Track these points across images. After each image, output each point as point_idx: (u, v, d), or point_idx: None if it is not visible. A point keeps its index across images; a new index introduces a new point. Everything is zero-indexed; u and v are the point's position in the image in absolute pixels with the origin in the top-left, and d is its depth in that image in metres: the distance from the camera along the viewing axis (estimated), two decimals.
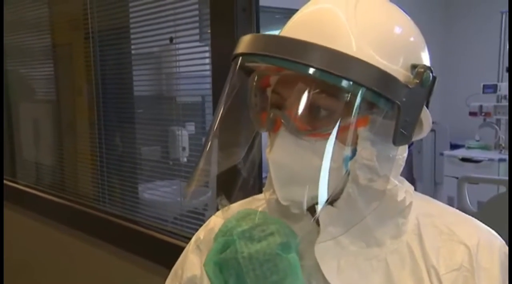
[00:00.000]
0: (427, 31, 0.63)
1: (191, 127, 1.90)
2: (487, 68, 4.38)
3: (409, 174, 4.36)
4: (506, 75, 4.13)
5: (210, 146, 0.62)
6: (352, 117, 0.54)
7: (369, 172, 0.58)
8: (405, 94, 0.54)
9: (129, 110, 2.07)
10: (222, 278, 0.57)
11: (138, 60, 2.05)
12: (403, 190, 0.64)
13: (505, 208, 1.96)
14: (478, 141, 4.26)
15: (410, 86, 0.55)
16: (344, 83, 0.52)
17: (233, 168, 0.65)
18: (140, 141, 2.02)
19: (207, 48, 1.57)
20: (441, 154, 4.36)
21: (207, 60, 1.58)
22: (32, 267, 2.56)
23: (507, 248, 0.65)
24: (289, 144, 0.57)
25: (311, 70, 0.52)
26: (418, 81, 0.56)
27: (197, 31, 1.70)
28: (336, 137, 0.55)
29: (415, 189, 0.68)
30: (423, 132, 0.61)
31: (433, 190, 4.44)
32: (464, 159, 4.14)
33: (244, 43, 0.58)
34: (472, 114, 4.18)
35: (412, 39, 0.61)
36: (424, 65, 0.57)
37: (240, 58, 0.59)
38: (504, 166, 3.93)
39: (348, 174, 0.58)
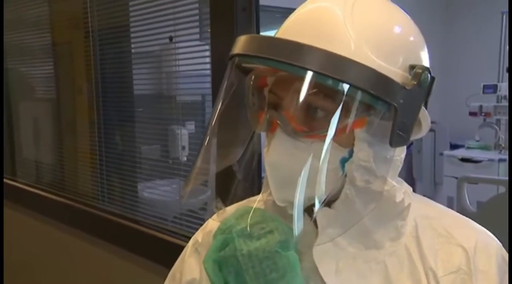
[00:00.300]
0: (427, 31, 0.63)
1: (191, 126, 1.90)
2: (487, 68, 4.38)
3: (409, 174, 4.36)
4: (506, 75, 4.13)
5: (206, 146, 0.62)
6: (349, 118, 0.54)
7: (366, 174, 0.58)
8: (402, 95, 0.54)
9: (129, 109, 2.07)
10: (221, 276, 0.57)
11: (138, 59, 2.05)
12: (402, 191, 0.64)
13: (505, 208, 1.96)
14: (478, 141, 4.26)
15: (407, 88, 0.55)
16: (340, 85, 0.52)
17: (231, 169, 0.65)
18: (140, 140, 2.02)
19: (207, 47, 1.57)
20: (441, 154, 4.36)
21: (207, 59, 1.58)
22: (31, 265, 2.56)
23: (504, 250, 0.65)
24: (285, 145, 0.57)
25: (307, 73, 0.52)
26: (415, 83, 0.55)
27: (197, 30, 1.70)
28: (333, 139, 0.54)
29: (415, 189, 0.68)
30: (421, 132, 0.61)
31: (432, 190, 4.44)
32: (464, 159, 4.14)
33: (241, 43, 0.58)
34: (472, 114, 4.18)
35: (411, 38, 0.60)
36: (422, 66, 0.57)
37: (236, 59, 0.59)
38: (504, 166, 3.93)
39: (345, 175, 0.58)
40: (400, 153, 0.62)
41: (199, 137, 1.85)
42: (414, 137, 0.61)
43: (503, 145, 4.10)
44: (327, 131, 0.54)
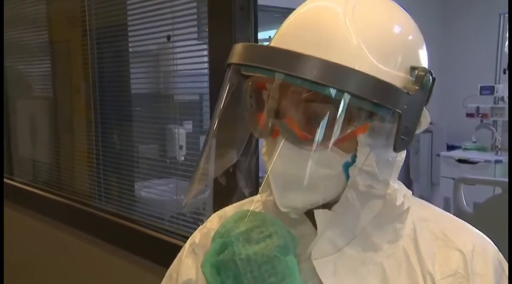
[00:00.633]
0: (425, 32, 0.63)
1: (188, 126, 1.89)
2: (485, 70, 4.39)
3: (406, 174, 4.37)
4: (504, 76, 4.14)
5: (208, 152, 0.62)
6: (352, 125, 0.54)
7: (369, 178, 0.58)
8: (405, 101, 0.54)
9: (126, 108, 2.06)
10: (219, 280, 0.56)
11: (135, 58, 2.04)
12: (402, 194, 0.64)
13: (501, 209, 1.96)
14: (474, 142, 4.27)
15: (411, 93, 0.54)
16: (344, 95, 0.51)
17: (229, 169, 0.65)
18: (137, 139, 2.01)
19: (205, 46, 1.57)
20: (438, 155, 4.37)
21: (205, 59, 1.58)
22: (28, 264, 2.55)
23: (500, 254, 0.65)
24: (289, 154, 0.56)
25: (309, 84, 0.51)
26: (418, 87, 0.55)
27: (195, 29, 1.70)
28: (336, 145, 0.55)
29: (412, 190, 0.68)
30: (420, 129, 0.61)
31: (429, 190, 4.45)
32: (461, 160, 4.16)
33: (238, 52, 0.57)
34: (469, 115, 4.19)
35: (412, 38, 0.60)
36: (424, 68, 0.57)
37: (241, 67, 0.59)
38: (500, 168, 3.94)
39: (347, 178, 0.58)
40: (401, 154, 0.62)
41: (197, 137, 1.85)
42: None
43: (499, 146, 4.11)
44: (330, 138, 0.53)
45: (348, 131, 0.55)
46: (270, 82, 0.55)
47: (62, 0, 2.29)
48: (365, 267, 0.62)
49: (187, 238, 0.78)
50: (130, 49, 2.02)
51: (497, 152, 4.09)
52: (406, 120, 0.54)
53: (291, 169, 0.56)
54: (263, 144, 0.64)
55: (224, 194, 0.67)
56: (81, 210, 2.10)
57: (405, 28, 0.60)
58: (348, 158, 0.57)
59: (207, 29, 1.46)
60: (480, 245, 0.63)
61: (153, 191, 1.94)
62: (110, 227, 1.94)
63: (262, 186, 0.63)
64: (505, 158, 4.00)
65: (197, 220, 1.63)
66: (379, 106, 0.53)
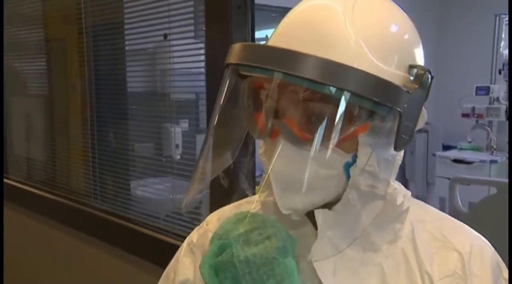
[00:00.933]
0: (421, 32, 0.63)
1: (184, 124, 1.89)
2: (480, 70, 4.41)
3: (402, 174, 4.39)
4: (499, 77, 4.16)
5: (207, 152, 0.62)
6: (353, 125, 0.54)
7: (370, 178, 0.58)
8: (406, 100, 0.54)
9: (122, 106, 2.06)
10: (217, 281, 0.56)
11: (132, 56, 2.04)
12: (402, 194, 0.64)
13: (496, 209, 1.97)
14: (470, 142, 4.29)
15: (411, 92, 0.54)
16: (345, 94, 0.51)
17: (226, 170, 0.65)
18: (133, 137, 2.01)
19: (201, 45, 1.57)
20: (434, 155, 4.39)
21: (202, 57, 1.57)
22: (23, 262, 2.54)
23: (498, 256, 0.65)
24: (290, 154, 0.56)
25: (310, 83, 0.51)
26: (417, 86, 0.55)
27: (191, 28, 1.69)
28: (337, 145, 0.54)
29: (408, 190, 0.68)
30: (417, 127, 0.61)
31: (425, 190, 4.47)
32: (456, 160, 4.17)
33: (237, 52, 0.57)
34: (465, 115, 4.21)
35: (410, 38, 0.60)
36: (423, 67, 0.57)
37: (239, 67, 0.58)
38: (495, 168, 3.96)
39: (348, 178, 0.58)
40: (400, 153, 0.62)
41: (193, 136, 1.85)
42: None
43: (494, 146, 4.13)
44: (331, 139, 0.53)
45: (349, 130, 0.54)
46: (269, 82, 0.55)
47: None
48: (364, 267, 0.62)
49: (183, 237, 0.78)
50: (127, 47, 2.01)
51: (492, 152, 4.11)
52: (407, 118, 0.54)
53: (292, 170, 0.56)
54: (260, 144, 0.64)
55: (220, 193, 0.66)
56: (76, 209, 2.09)
57: (403, 26, 0.60)
58: (348, 158, 0.57)
59: (203, 28, 1.45)
60: (477, 246, 0.64)
61: (149, 190, 1.94)
62: (105, 226, 1.93)
63: (261, 186, 0.63)
64: (500, 158, 4.02)
65: (193, 219, 1.63)
66: (380, 105, 0.53)
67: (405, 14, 0.62)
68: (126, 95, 2.05)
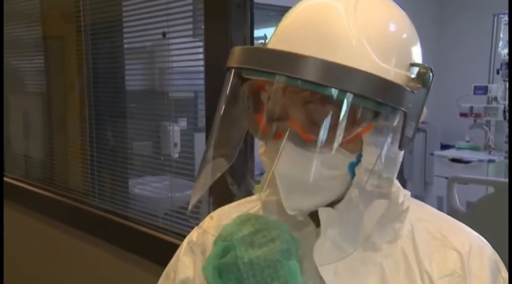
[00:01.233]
0: (420, 32, 0.63)
1: (183, 123, 1.89)
2: (479, 70, 4.42)
3: (400, 174, 4.38)
4: (497, 77, 4.17)
5: (211, 154, 0.62)
6: (358, 126, 0.54)
7: (375, 177, 0.58)
8: (409, 100, 0.54)
9: (121, 104, 2.05)
10: (221, 283, 0.56)
11: (130, 54, 2.03)
12: (402, 193, 0.64)
13: (494, 208, 1.98)
14: (468, 142, 4.29)
15: (415, 91, 0.55)
16: (350, 96, 0.51)
17: (228, 171, 0.65)
18: (131, 136, 2.00)
19: (200, 44, 1.57)
20: (432, 154, 4.40)
21: (200, 56, 1.57)
22: (20, 261, 2.54)
23: (497, 255, 0.66)
24: (294, 156, 0.56)
25: (314, 86, 0.51)
26: (420, 85, 0.56)
27: (190, 26, 1.69)
28: (341, 146, 0.55)
29: (406, 189, 0.69)
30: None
31: (423, 190, 4.48)
32: (454, 160, 4.18)
33: (238, 55, 0.57)
34: (463, 115, 4.21)
35: (410, 37, 0.60)
36: (425, 66, 0.57)
37: (241, 71, 0.58)
38: (493, 167, 3.97)
39: (352, 178, 0.58)
40: (401, 152, 0.62)
41: (191, 134, 1.85)
42: None
43: (492, 146, 4.14)
44: (336, 140, 0.53)
45: (354, 131, 0.54)
46: (271, 84, 0.55)
47: None
48: (365, 267, 0.62)
49: (181, 235, 0.79)
50: (125, 46, 2.01)
51: (490, 151, 4.12)
52: (410, 118, 0.55)
53: (297, 172, 0.56)
54: (260, 144, 0.64)
55: (219, 192, 0.67)
56: (74, 207, 2.09)
57: (403, 25, 0.60)
58: (353, 158, 0.57)
59: (202, 26, 1.45)
60: (477, 246, 0.64)
61: (147, 188, 1.93)
62: (103, 224, 1.93)
63: (262, 186, 0.63)
64: (498, 157, 4.03)
65: (191, 217, 1.62)
66: (385, 106, 0.53)
67: (404, 13, 0.62)
68: (124, 93, 2.05)
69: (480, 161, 4.03)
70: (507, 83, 4.00)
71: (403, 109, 0.53)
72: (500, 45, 4.18)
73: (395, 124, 0.55)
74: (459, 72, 4.46)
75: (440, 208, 0.72)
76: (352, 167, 0.57)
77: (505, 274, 0.65)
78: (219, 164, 0.63)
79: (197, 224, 0.77)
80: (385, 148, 0.57)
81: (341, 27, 0.55)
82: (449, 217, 0.69)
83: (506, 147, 3.98)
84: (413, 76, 0.57)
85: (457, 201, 2.21)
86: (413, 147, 4.31)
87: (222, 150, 0.63)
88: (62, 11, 2.22)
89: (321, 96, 0.53)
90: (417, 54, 0.60)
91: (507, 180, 2.49)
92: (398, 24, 0.60)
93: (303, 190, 0.56)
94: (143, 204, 1.92)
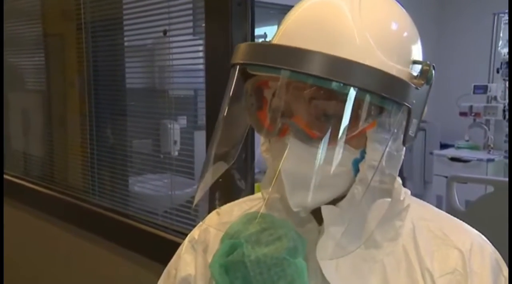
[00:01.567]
0: (420, 30, 0.63)
1: (183, 121, 1.89)
2: (478, 69, 4.42)
3: (399, 172, 4.39)
4: (497, 76, 4.17)
5: (215, 152, 0.62)
6: (363, 121, 0.55)
7: (378, 173, 0.58)
8: (414, 96, 0.54)
9: (121, 102, 2.06)
10: (227, 280, 0.57)
11: (131, 52, 2.03)
12: (403, 190, 0.65)
13: (493, 207, 1.98)
14: (467, 141, 4.30)
15: (418, 88, 0.55)
16: (356, 91, 0.51)
17: (230, 169, 0.66)
18: (131, 134, 2.00)
19: (200, 42, 1.57)
20: (431, 153, 4.40)
21: (200, 54, 1.57)
22: (19, 258, 2.54)
23: (498, 254, 0.66)
24: (300, 152, 0.56)
25: (320, 81, 0.51)
26: (423, 81, 0.56)
27: (191, 24, 1.69)
28: (346, 142, 0.55)
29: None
30: None
31: (422, 188, 4.48)
32: (453, 159, 4.18)
33: (244, 51, 0.57)
34: (462, 114, 4.21)
35: (412, 34, 0.61)
36: (428, 63, 0.57)
37: (246, 67, 0.58)
38: (492, 166, 3.98)
39: (355, 174, 0.58)
40: (403, 149, 0.62)
41: (191, 132, 1.85)
42: None
43: (491, 145, 4.14)
44: (341, 136, 0.53)
45: (359, 127, 0.55)
46: (276, 80, 0.55)
47: None
48: (366, 264, 0.62)
49: (180, 233, 0.79)
50: (126, 44, 2.01)
51: (489, 151, 4.12)
52: (414, 114, 0.55)
53: (303, 168, 0.56)
54: (261, 142, 0.64)
55: (219, 190, 0.67)
56: (74, 205, 2.09)
57: (405, 22, 0.61)
58: (357, 154, 0.57)
59: (203, 25, 1.45)
60: (478, 244, 0.64)
61: (146, 186, 1.94)
62: (103, 222, 1.93)
63: (265, 183, 0.63)
64: (497, 157, 4.03)
65: (190, 215, 1.63)
66: (390, 101, 0.53)
67: (405, 11, 0.62)
68: (124, 91, 2.05)
69: (479, 160, 4.03)
70: (507, 82, 4.00)
71: (408, 104, 0.54)
72: (500, 44, 4.17)
73: (399, 120, 0.55)
74: (459, 71, 4.46)
75: (439, 207, 0.72)
76: (356, 163, 0.58)
77: (506, 272, 0.65)
78: (224, 161, 0.64)
79: (195, 222, 0.77)
80: (389, 144, 0.57)
81: (345, 24, 0.55)
82: (450, 216, 0.69)
83: (505, 146, 3.99)
84: (415, 73, 0.57)
85: (457, 200, 2.22)
86: (413, 146, 4.31)
87: (226, 147, 0.63)
88: (62, 8, 2.22)
89: (326, 92, 0.53)
90: (418, 52, 0.61)
91: (506, 179, 2.50)
92: (400, 22, 0.60)
93: (308, 186, 0.56)
94: (142, 202, 1.93)
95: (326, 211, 0.59)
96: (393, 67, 0.55)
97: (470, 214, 2.12)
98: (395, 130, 0.56)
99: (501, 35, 4.19)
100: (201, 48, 1.56)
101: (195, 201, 0.65)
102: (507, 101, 3.99)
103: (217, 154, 0.62)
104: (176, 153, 1.86)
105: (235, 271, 0.56)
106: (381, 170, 0.58)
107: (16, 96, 2.70)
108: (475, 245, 0.64)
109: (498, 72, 4.13)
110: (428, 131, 4.37)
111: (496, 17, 4.27)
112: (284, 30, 0.59)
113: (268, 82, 0.60)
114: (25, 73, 2.68)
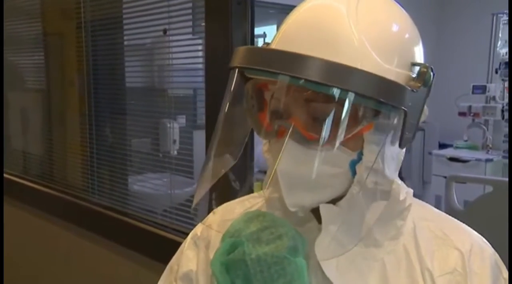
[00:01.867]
0: (419, 31, 0.63)
1: (182, 120, 1.89)
2: (477, 69, 4.42)
3: (398, 172, 4.40)
4: (496, 76, 4.17)
5: (215, 153, 0.63)
6: (359, 124, 0.55)
7: (375, 175, 0.59)
8: (410, 99, 0.55)
9: (120, 101, 2.06)
10: (228, 279, 0.57)
11: (130, 51, 2.03)
12: (404, 191, 0.65)
13: (492, 207, 1.99)
14: (466, 141, 4.30)
15: (415, 91, 0.55)
16: (352, 95, 0.52)
17: (230, 169, 0.66)
18: (131, 133, 2.01)
19: (200, 41, 1.57)
20: (430, 153, 4.40)
21: (200, 53, 1.57)
22: (18, 257, 2.54)
23: (497, 255, 0.66)
24: (296, 154, 0.57)
25: (316, 86, 0.52)
26: (420, 84, 0.56)
27: (190, 23, 1.69)
28: (343, 144, 0.56)
29: None
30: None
31: (421, 188, 4.49)
32: (452, 159, 4.19)
33: (242, 55, 0.57)
34: (461, 114, 4.22)
35: (412, 36, 0.61)
36: (425, 65, 0.58)
37: (244, 71, 0.59)
38: (491, 166, 3.98)
39: (353, 176, 0.59)
40: (403, 150, 0.63)
41: (190, 131, 1.85)
42: None
43: (490, 145, 4.15)
44: (337, 138, 0.54)
45: (355, 130, 0.55)
46: (274, 83, 0.56)
47: None
48: (366, 262, 0.63)
49: (180, 231, 0.79)
50: (125, 43, 2.01)
51: (488, 151, 4.13)
52: (411, 116, 0.55)
53: (299, 169, 0.57)
54: (263, 142, 0.65)
55: (219, 190, 0.67)
56: (73, 204, 2.09)
57: (405, 25, 0.61)
58: (354, 155, 0.58)
59: (202, 24, 1.45)
60: (478, 245, 0.65)
61: (146, 185, 1.94)
62: (102, 221, 1.93)
63: (266, 183, 0.63)
64: (495, 157, 4.04)
65: (190, 214, 1.63)
66: (385, 105, 0.54)
67: (405, 12, 0.62)
68: (124, 90, 2.05)
69: (478, 160, 4.04)
70: (506, 83, 4.00)
71: (403, 108, 0.54)
72: (499, 45, 4.18)
73: (395, 122, 0.56)
74: (457, 71, 4.46)
75: (438, 207, 0.72)
76: (353, 165, 0.58)
77: (506, 274, 0.66)
78: (224, 162, 0.64)
79: (195, 221, 0.77)
80: (386, 146, 0.58)
81: (343, 28, 0.55)
82: (450, 217, 0.70)
83: (504, 146, 3.99)
84: (414, 75, 0.57)
85: (455, 200, 2.22)
86: (411, 146, 4.31)
87: (226, 148, 0.64)
88: (62, 7, 2.22)
89: (323, 95, 0.54)
90: (419, 54, 0.61)
91: (505, 179, 2.50)
92: (399, 24, 0.60)
93: (304, 187, 0.56)
94: (142, 200, 1.93)
95: (324, 210, 0.60)
96: (390, 70, 0.55)
97: (469, 214, 2.12)
98: (392, 132, 0.57)
99: (500, 35, 4.19)
100: (200, 47, 1.57)
101: (194, 202, 0.65)
102: (505, 101, 4.00)
103: (216, 155, 0.63)
104: (175, 152, 1.87)
105: (236, 269, 0.56)
106: (380, 171, 0.59)
107: (16, 95, 2.69)
108: (475, 246, 0.64)
109: (497, 72, 4.14)
110: (427, 131, 4.37)
111: (495, 18, 4.27)
112: (282, 34, 0.60)
113: (268, 85, 0.61)
114: (25, 72, 2.68)
